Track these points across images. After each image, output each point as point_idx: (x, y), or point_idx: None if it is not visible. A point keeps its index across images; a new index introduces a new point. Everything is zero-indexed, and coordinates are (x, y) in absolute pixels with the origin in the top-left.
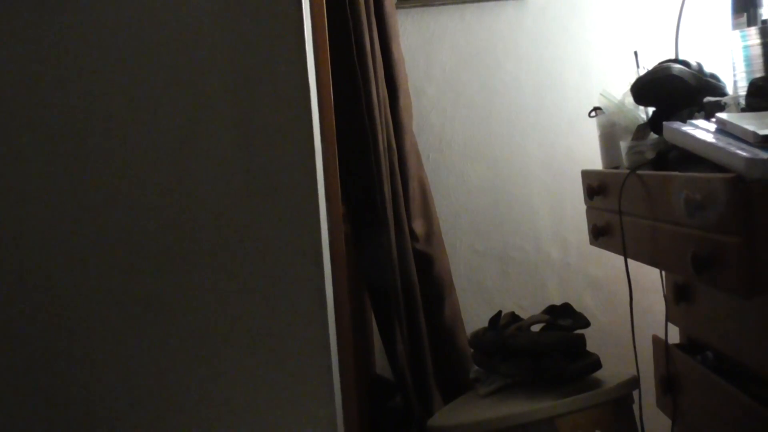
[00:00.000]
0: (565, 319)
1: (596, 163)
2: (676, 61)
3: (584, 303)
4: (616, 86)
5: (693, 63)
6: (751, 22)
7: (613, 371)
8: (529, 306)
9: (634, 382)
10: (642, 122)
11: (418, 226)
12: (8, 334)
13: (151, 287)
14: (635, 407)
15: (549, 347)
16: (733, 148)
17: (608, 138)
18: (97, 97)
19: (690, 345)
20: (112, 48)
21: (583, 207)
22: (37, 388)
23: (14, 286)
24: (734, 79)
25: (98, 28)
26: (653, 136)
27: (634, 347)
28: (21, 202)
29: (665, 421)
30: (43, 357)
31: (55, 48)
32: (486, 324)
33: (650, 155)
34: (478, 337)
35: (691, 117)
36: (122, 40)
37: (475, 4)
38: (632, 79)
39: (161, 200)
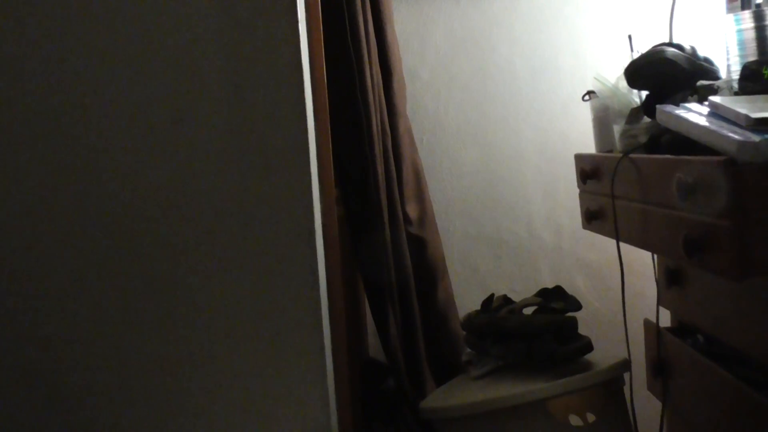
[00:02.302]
0: (557, 302)
1: (590, 146)
2: (670, 44)
3: (576, 286)
4: (609, 70)
5: (687, 47)
6: (744, 6)
7: (604, 354)
8: (521, 289)
9: (626, 365)
10: (635, 106)
11: (412, 210)
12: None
13: (144, 269)
14: (626, 390)
15: (541, 330)
16: (725, 131)
17: (602, 122)
18: (89, 79)
19: (681, 328)
20: (106, 30)
21: (576, 191)
22: (32, 376)
23: (8, 277)
24: (728, 63)
25: (93, 11)
26: (646, 119)
27: (626, 330)
28: (10, 187)
29: (656, 404)
30: (38, 347)
31: (49, 29)
32: (478, 307)
33: (643, 139)
34: (470, 319)
35: (685, 101)
36: (116, 21)
37: None
38: (626, 63)
39: (154, 181)
